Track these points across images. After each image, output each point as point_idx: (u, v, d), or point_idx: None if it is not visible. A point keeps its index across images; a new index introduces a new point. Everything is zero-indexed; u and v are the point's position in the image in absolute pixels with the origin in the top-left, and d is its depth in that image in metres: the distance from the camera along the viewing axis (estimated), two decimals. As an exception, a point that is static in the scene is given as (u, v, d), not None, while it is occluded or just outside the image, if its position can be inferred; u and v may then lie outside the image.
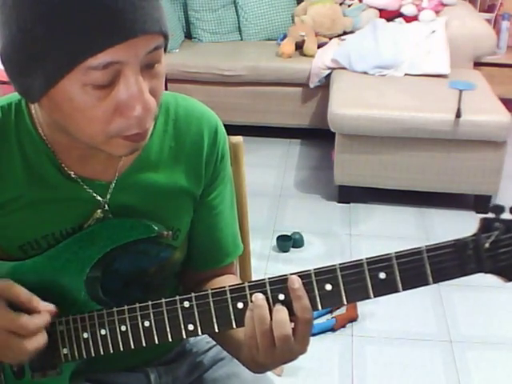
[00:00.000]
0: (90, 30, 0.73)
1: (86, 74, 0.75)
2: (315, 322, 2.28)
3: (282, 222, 2.97)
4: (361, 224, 2.97)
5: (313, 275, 0.81)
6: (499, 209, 0.76)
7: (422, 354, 2.19)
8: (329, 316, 2.34)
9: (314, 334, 2.24)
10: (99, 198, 0.94)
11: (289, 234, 2.78)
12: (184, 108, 1.00)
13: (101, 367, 1.04)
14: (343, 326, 2.30)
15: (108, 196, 0.95)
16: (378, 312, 2.39)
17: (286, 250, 2.74)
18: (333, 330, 2.28)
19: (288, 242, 2.74)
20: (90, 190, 0.93)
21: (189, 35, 4.04)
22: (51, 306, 0.89)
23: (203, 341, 1.18)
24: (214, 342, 1.16)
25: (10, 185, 0.91)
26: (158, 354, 1.13)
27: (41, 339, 0.88)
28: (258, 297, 0.82)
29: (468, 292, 2.49)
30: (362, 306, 2.37)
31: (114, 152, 0.84)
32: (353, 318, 2.32)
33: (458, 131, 2.86)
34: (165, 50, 0.83)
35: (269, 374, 1.16)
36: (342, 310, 2.35)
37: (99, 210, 0.94)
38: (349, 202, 3.13)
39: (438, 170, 2.97)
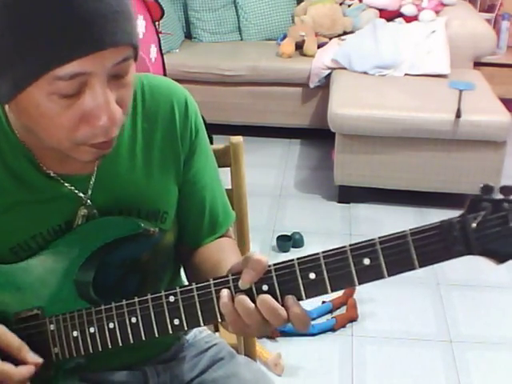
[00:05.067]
0: (58, 40, 0.73)
1: (53, 83, 0.76)
2: (315, 322, 2.28)
3: (281, 222, 2.97)
4: (361, 224, 2.97)
5: (296, 264, 0.80)
6: (489, 189, 0.73)
7: (422, 353, 2.19)
8: (329, 316, 2.34)
9: (314, 334, 2.24)
10: (81, 194, 0.94)
11: (289, 234, 2.78)
12: (149, 87, 1.00)
13: (98, 366, 1.04)
14: (343, 326, 2.29)
15: (89, 191, 0.95)
16: (378, 312, 2.38)
17: (286, 250, 2.73)
18: (333, 329, 2.27)
19: (288, 242, 2.74)
20: (72, 187, 0.94)
21: (189, 35, 4.04)
22: (39, 360, 0.89)
23: (202, 340, 1.18)
24: (214, 342, 1.16)
25: None
26: (156, 352, 1.13)
27: None
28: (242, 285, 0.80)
29: (468, 292, 2.48)
30: (362, 306, 2.37)
31: (80, 158, 0.85)
32: (353, 318, 2.32)
33: (458, 131, 2.86)
34: (135, 60, 0.83)
35: (269, 373, 1.16)
36: (342, 310, 2.35)
37: (82, 207, 0.94)
38: (349, 202, 3.13)
39: (438, 170, 2.97)
